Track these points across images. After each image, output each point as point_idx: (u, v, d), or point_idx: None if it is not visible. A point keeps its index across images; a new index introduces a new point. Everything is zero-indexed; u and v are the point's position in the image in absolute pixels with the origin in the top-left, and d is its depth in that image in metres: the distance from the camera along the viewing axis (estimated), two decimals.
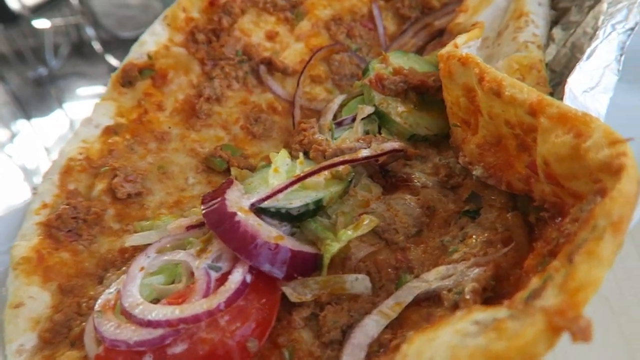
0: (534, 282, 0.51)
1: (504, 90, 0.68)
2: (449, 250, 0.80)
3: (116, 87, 1.12)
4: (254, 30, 1.24)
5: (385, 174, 0.96)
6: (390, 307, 0.69)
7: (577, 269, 0.45)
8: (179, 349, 0.65)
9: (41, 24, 7.54)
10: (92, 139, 1.06)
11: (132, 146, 1.07)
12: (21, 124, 7.12)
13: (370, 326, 0.66)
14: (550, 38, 1.10)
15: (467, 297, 0.63)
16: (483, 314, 0.49)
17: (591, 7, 1.03)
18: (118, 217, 0.99)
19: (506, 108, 0.70)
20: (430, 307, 0.69)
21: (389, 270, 0.78)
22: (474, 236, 0.79)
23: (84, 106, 7.08)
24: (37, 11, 6.81)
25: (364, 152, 0.87)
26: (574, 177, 0.57)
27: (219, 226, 0.76)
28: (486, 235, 0.77)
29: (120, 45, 8.76)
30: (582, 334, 0.43)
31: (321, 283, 0.75)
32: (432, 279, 0.71)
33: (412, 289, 0.70)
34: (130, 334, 0.66)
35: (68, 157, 1.01)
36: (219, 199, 0.80)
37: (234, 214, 0.76)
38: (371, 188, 0.93)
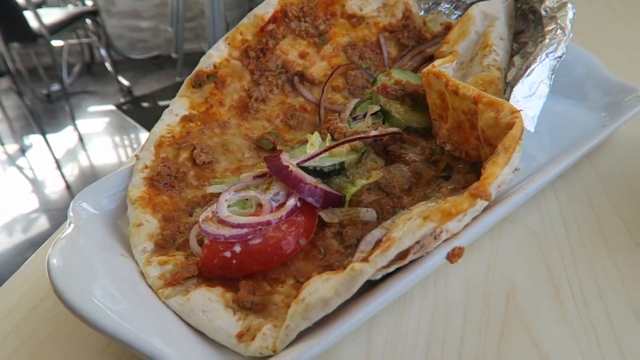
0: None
1: (459, 90, 1.13)
2: (429, 197, 1.24)
3: (189, 88, 1.53)
4: (290, 50, 1.68)
5: (386, 152, 1.38)
6: (389, 224, 1.10)
7: (486, 169, 0.87)
8: (256, 241, 1.06)
9: (56, 43, 7.98)
10: (174, 124, 1.46)
11: (203, 130, 1.47)
12: (33, 138, 7.42)
13: (377, 232, 1.07)
14: (511, 64, 1.52)
15: None
16: (438, 201, 0.93)
17: (541, 42, 1.47)
18: (197, 177, 1.38)
19: (461, 101, 1.13)
20: None
21: (388, 208, 1.19)
22: (444, 188, 1.22)
23: (94, 122, 7.48)
24: (56, 32, 7.24)
25: (373, 132, 1.31)
26: (497, 137, 1.00)
27: (278, 172, 1.18)
28: (453, 186, 1.19)
29: (130, 66, 9.24)
30: (486, 197, 0.85)
31: (344, 212, 1.17)
32: (416, 208, 1.14)
33: (403, 214, 1.12)
34: (226, 231, 1.07)
35: (160, 135, 1.41)
36: (276, 157, 1.23)
37: (288, 166, 1.19)
38: (376, 160, 1.35)
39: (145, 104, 7.96)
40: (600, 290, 1.05)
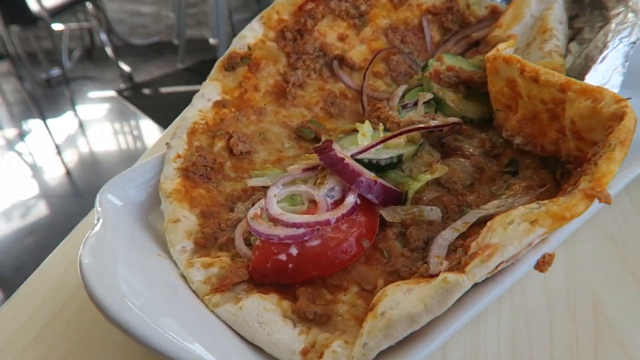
0: (567, 190, 0.82)
1: (540, 76, 1.00)
2: (497, 195, 1.10)
3: (221, 71, 1.41)
4: (329, 32, 1.55)
5: (441, 145, 1.26)
6: (460, 225, 0.98)
7: (600, 167, 0.75)
8: (315, 242, 0.94)
9: (56, 27, 7.79)
10: (206, 110, 1.33)
11: (238, 117, 1.35)
12: (32, 123, 7.27)
13: (447, 234, 0.95)
14: (568, 51, 1.40)
15: None
16: (541, 201, 0.80)
17: (601, 27, 1.34)
18: (234, 168, 1.26)
19: (542, 89, 1.00)
20: None
21: (453, 206, 1.07)
22: (516, 185, 1.09)
23: (94, 108, 7.31)
24: (56, 15, 7.06)
25: (434, 122, 1.18)
26: (592, 129, 0.88)
27: (333, 166, 1.05)
28: (526, 183, 1.06)
29: (131, 51, 9.05)
30: (605, 199, 0.73)
31: (406, 210, 1.04)
32: (489, 207, 1.01)
33: (475, 214, 0.99)
34: (280, 231, 0.94)
35: (193, 121, 1.28)
36: (329, 148, 1.10)
37: (343, 158, 1.06)
38: (433, 153, 1.22)
39: (146, 91, 7.79)
40: None
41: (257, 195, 1.15)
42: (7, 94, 7.83)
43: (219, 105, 1.35)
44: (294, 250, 0.94)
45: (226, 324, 0.91)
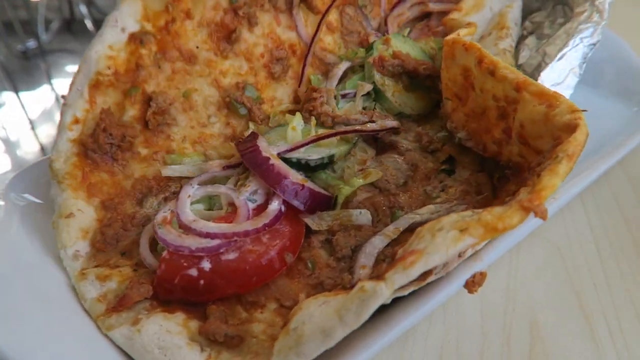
0: (505, 200, 0.64)
1: (498, 70, 0.83)
2: (432, 196, 0.93)
3: None
4: None
5: (375, 140, 1.11)
6: (391, 231, 0.83)
7: (542, 179, 0.64)
8: (231, 256, 0.76)
9: None
10: (119, 46, 0.94)
11: (159, 62, 1.01)
12: (7, 96, 6.69)
13: (377, 242, 0.80)
14: (524, 45, 1.25)
15: None
16: (477, 210, 0.61)
17: (562, 24, 1.21)
18: (146, 143, 0.99)
19: (496, 84, 0.85)
20: None
21: (384, 208, 0.93)
22: (452, 188, 0.91)
23: None
24: None
25: (372, 126, 1.00)
26: (540, 136, 0.74)
27: (257, 167, 0.86)
28: (463, 187, 0.91)
29: None
30: (542, 214, 0.61)
31: (333, 216, 0.89)
32: (424, 212, 0.82)
33: (408, 219, 0.84)
34: (192, 242, 0.76)
35: (96, 70, 0.93)
36: (252, 146, 0.90)
37: (269, 158, 0.86)
38: (367, 150, 1.07)
39: None
40: None
41: (172, 186, 0.96)
42: None
43: (135, 40, 0.96)
44: (206, 265, 0.78)
45: (122, 349, 0.73)
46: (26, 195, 0.92)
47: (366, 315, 0.60)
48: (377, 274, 0.66)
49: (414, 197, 0.97)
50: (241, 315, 0.77)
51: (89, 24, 7.57)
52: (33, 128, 5.71)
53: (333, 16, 1.31)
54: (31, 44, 7.22)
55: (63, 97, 0.91)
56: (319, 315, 0.62)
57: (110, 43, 0.93)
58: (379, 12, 1.42)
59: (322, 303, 0.64)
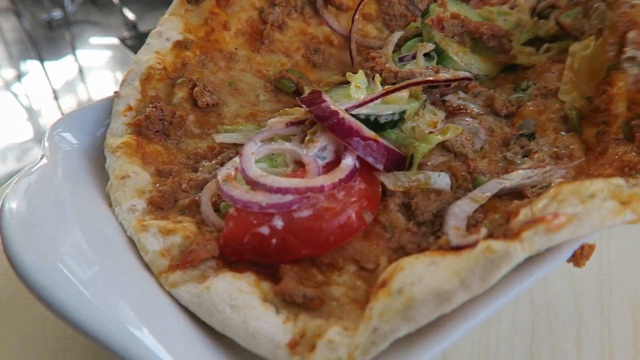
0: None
1: None
2: (515, 162, 0.84)
3: (182, 4, 1.10)
4: None
5: (443, 103, 1.01)
6: (478, 196, 0.75)
7: None
8: (305, 213, 0.69)
9: None
10: (165, 51, 1.03)
11: (204, 62, 1.06)
12: (31, 65, 6.63)
13: (465, 205, 0.73)
14: None
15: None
16: (630, 179, 0.52)
17: None
18: (198, 122, 0.98)
19: None
20: (512, 200, 0.71)
21: (464, 173, 0.85)
22: (538, 152, 0.83)
23: (96, 55, 6.70)
24: None
25: (444, 75, 0.87)
26: None
27: (326, 120, 0.78)
28: (553, 150, 0.80)
29: None
30: None
31: (410, 177, 0.81)
32: (513, 178, 0.73)
33: (497, 184, 0.76)
34: (262, 197, 0.68)
35: (148, 65, 0.99)
36: (319, 100, 0.79)
37: (337, 111, 0.77)
38: (436, 112, 0.99)
39: None
40: None
41: (226, 153, 0.91)
42: (5, 32, 7.06)
43: (180, 46, 1.05)
44: (278, 222, 0.70)
45: (187, 309, 0.65)
46: (71, 139, 0.86)
47: (494, 280, 0.52)
48: (503, 233, 0.57)
49: (493, 163, 0.88)
50: (317, 277, 0.69)
51: None
52: (56, 98, 5.67)
53: (370, 7, 1.26)
54: (56, 14, 7.19)
55: (115, 92, 0.95)
56: (432, 277, 0.54)
57: (156, 49, 1.02)
58: None
59: (430, 263, 0.56)
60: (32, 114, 5.58)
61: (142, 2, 8.05)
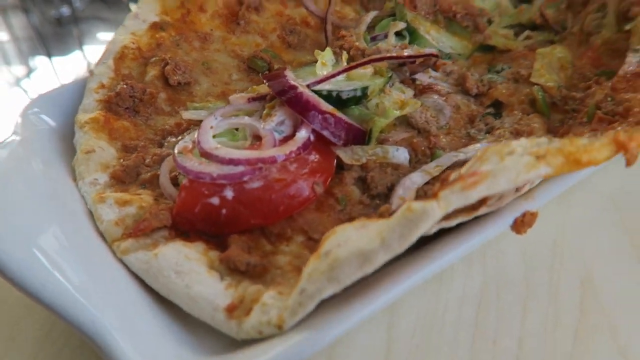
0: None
1: None
2: (476, 138, 0.85)
3: None
4: None
5: (413, 82, 1.01)
6: (432, 169, 0.76)
7: None
8: (255, 184, 0.70)
9: None
10: (141, 32, 1.05)
11: (178, 42, 1.08)
12: (40, 61, 6.71)
13: (416, 177, 0.74)
14: None
15: None
16: (550, 137, 0.52)
17: None
18: (169, 100, 0.99)
19: None
20: None
21: (423, 148, 0.85)
22: (500, 129, 0.83)
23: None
24: None
25: (407, 52, 0.87)
26: None
27: (284, 94, 0.79)
28: (514, 127, 0.80)
29: None
30: (631, 158, 0.53)
31: (368, 151, 0.81)
32: (469, 151, 0.74)
33: (452, 157, 0.77)
34: (214, 168, 0.70)
35: (122, 44, 1.01)
36: (280, 74, 0.81)
37: (296, 86, 0.78)
38: (404, 90, 0.99)
39: None
40: None
41: (192, 129, 0.93)
42: (15, 29, 7.17)
43: (156, 27, 1.07)
44: (229, 193, 0.71)
45: (136, 276, 0.68)
46: (45, 118, 0.89)
47: (413, 238, 0.53)
48: (425, 197, 0.59)
49: (456, 139, 0.88)
50: (265, 247, 0.70)
51: None
52: None
53: None
54: (65, 10, 7.25)
55: (90, 70, 0.97)
56: (357, 239, 0.55)
57: (132, 30, 1.04)
58: None
59: (360, 226, 0.57)
60: None
61: None
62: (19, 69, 6.57)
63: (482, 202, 0.61)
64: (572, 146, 0.54)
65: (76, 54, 6.96)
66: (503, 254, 0.77)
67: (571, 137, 0.56)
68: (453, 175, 0.58)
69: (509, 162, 0.54)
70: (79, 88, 0.96)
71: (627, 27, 0.93)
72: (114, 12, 8.07)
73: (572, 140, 0.55)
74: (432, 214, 0.52)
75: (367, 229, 0.56)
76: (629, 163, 0.54)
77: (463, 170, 0.57)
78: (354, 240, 0.55)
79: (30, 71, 6.51)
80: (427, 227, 0.53)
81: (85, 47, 7.14)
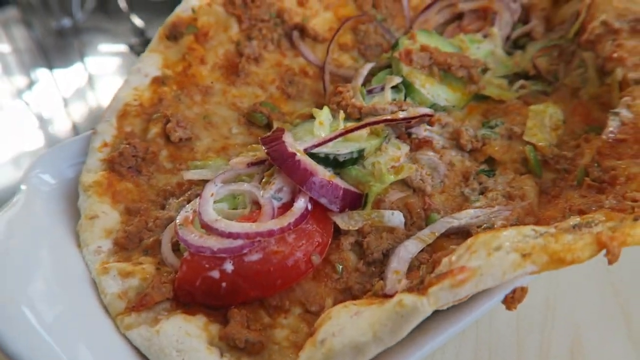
0: (573, 219, 0.57)
1: None
2: (470, 199, 0.87)
3: (162, 40, 1.15)
4: None
5: (409, 136, 1.04)
6: (426, 235, 0.78)
7: (636, 227, 0.57)
8: (254, 257, 0.72)
9: None
10: (143, 87, 1.08)
11: (179, 97, 1.10)
12: (41, 73, 6.75)
13: (411, 246, 0.76)
14: None
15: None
16: (538, 227, 0.55)
17: None
18: (171, 157, 1.02)
19: None
20: (459, 239, 0.75)
21: (418, 210, 0.88)
22: (493, 191, 0.86)
23: (105, 62, 6.79)
24: None
25: (402, 114, 0.91)
26: None
27: (282, 162, 0.82)
28: (507, 190, 0.84)
29: (145, 5, 8.37)
30: (613, 257, 0.55)
31: (364, 216, 0.84)
32: (462, 217, 0.76)
33: (445, 223, 0.79)
34: (214, 242, 0.72)
35: (124, 102, 1.04)
36: (278, 141, 0.85)
37: (294, 153, 0.82)
38: (400, 146, 1.02)
39: None
40: None
41: (194, 189, 0.96)
42: (17, 41, 7.22)
43: (157, 82, 1.09)
44: (229, 266, 0.75)
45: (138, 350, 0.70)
46: (47, 179, 0.91)
47: (404, 333, 0.56)
48: (417, 286, 0.61)
49: (451, 199, 0.92)
50: (264, 320, 0.73)
51: (122, 3, 7.58)
52: (66, 106, 5.77)
53: (346, 37, 1.30)
54: (66, 22, 7.29)
55: (93, 129, 1.01)
56: (351, 329, 0.58)
57: (135, 86, 1.06)
58: (403, 23, 1.36)
59: (354, 313, 0.60)
60: (42, 122, 5.70)
61: (150, 8, 8.14)
62: (20, 81, 6.62)
63: None
64: (557, 244, 0.56)
65: (77, 66, 7.01)
66: (496, 317, 0.80)
67: (556, 230, 0.59)
68: (444, 261, 0.60)
69: (495, 259, 0.56)
70: (80, 144, 0.99)
71: (608, 80, 0.96)
72: (114, 24, 8.11)
73: (556, 236, 0.58)
74: (422, 310, 0.55)
75: (360, 318, 0.58)
76: (610, 262, 0.56)
77: (454, 257, 0.60)
78: (348, 331, 0.57)
79: (31, 83, 6.56)
80: (417, 322, 0.56)
81: (87, 59, 7.20)
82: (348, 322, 0.59)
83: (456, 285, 0.55)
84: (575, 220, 0.62)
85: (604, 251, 0.55)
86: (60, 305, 0.69)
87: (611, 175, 0.77)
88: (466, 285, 0.55)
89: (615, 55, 0.90)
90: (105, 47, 7.45)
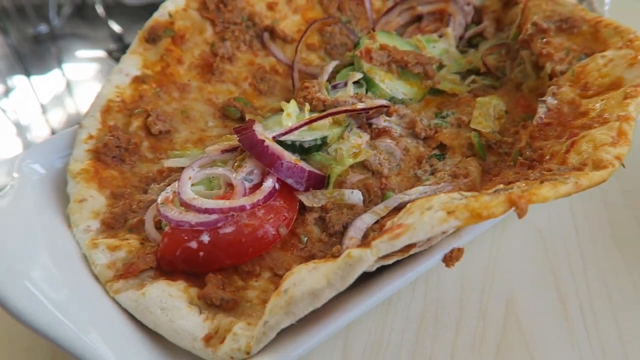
0: (498, 187, 0.69)
1: None
2: (422, 179, 0.99)
3: (142, 43, 1.25)
4: (256, 0, 1.39)
5: (369, 126, 1.16)
6: (380, 209, 0.88)
7: (543, 187, 0.69)
8: (228, 229, 0.82)
9: None
10: (124, 86, 1.18)
11: (159, 94, 1.21)
12: (18, 79, 6.71)
13: (367, 218, 0.86)
14: None
15: None
16: (465, 192, 0.67)
17: None
18: (152, 148, 1.12)
19: None
20: None
21: (376, 189, 0.97)
22: (441, 171, 0.97)
23: (83, 68, 6.77)
24: None
25: (360, 105, 1.02)
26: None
27: (252, 148, 0.92)
28: (453, 170, 0.95)
29: (123, 11, 8.35)
30: (521, 212, 0.67)
31: (327, 194, 0.94)
32: (412, 193, 0.87)
33: (397, 198, 0.90)
34: (192, 217, 0.82)
35: (107, 98, 1.14)
36: (249, 130, 0.95)
37: (263, 140, 0.91)
38: (361, 135, 1.13)
39: None
40: (613, 308, 0.82)
41: (173, 176, 1.06)
42: None
43: (138, 80, 1.20)
44: (205, 238, 0.85)
45: (127, 311, 0.80)
46: (38, 168, 1.00)
47: (351, 279, 0.67)
48: (365, 243, 0.72)
49: (405, 179, 1.04)
50: (237, 283, 0.84)
51: (99, 9, 7.57)
52: (44, 112, 5.76)
53: (313, 38, 1.42)
54: (43, 28, 7.25)
55: (79, 124, 1.09)
56: (309, 279, 0.68)
57: (116, 84, 1.15)
58: (367, 25, 1.49)
59: (312, 268, 0.71)
60: (21, 129, 5.67)
61: (128, 14, 8.14)
62: None
63: (412, 245, 0.74)
64: (477, 202, 0.68)
65: (55, 72, 6.97)
66: (443, 279, 0.92)
67: (478, 193, 0.70)
68: (388, 223, 0.72)
69: (426, 216, 0.68)
70: (67, 138, 1.07)
71: (542, 74, 1.10)
72: (92, 29, 8.08)
73: (477, 197, 0.70)
74: (366, 259, 0.66)
75: (317, 271, 0.69)
76: (519, 216, 0.68)
77: (395, 218, 0.71)
78: (306, 281, 0.68)
79: (8, 90, 6.52)
80: (363, 269, 0.67)
81: (64, 65, 7.17)
82: (307, 275, 0.69)
83: (393, 238, 0.66)
84: (499, 187, 0.74)
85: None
86: (56, 274, 0.78)
87: (539, 154, 0.90)
88: (402, 238, 0.66)
89: (544, 51, 1.04)
90: (83, 53, 7.42)
